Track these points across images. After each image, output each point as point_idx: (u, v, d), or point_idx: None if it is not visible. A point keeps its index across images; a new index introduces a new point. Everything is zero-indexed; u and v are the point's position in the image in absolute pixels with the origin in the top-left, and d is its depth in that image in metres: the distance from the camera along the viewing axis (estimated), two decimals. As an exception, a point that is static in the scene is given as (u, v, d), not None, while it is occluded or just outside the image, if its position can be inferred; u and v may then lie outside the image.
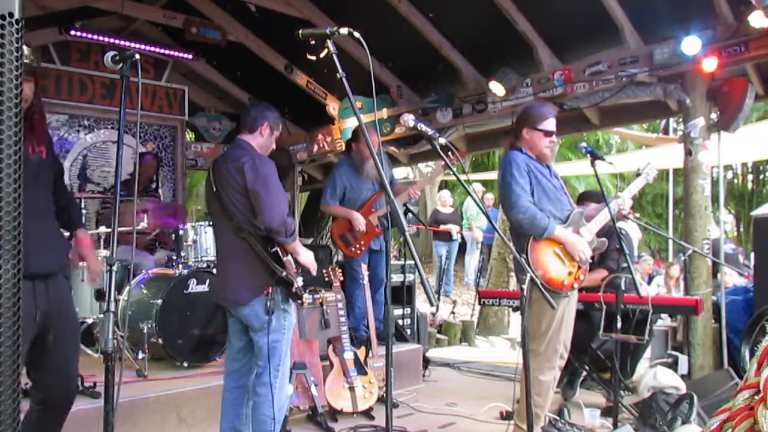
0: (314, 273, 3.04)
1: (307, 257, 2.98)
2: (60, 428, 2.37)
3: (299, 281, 2.91)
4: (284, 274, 2.83)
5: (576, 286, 3.24)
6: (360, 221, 4.64)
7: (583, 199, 4.50)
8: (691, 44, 4.22)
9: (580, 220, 3.30)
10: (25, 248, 2.04)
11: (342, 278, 4.43)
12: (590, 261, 4.35)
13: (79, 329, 2.55)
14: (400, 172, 11.61)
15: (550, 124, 3.29)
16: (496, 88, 5.24)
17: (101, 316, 4.25)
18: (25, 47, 2.16)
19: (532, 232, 3.13)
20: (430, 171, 4.75)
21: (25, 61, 2.15)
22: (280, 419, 2.94)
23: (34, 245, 2.03)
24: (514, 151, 3.29)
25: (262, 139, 2.98)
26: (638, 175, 3.56)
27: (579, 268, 3.22)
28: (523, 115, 3.41)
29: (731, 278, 6.14)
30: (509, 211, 3.20)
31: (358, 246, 4.73)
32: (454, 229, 9.70)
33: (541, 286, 2.69)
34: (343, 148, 6.77)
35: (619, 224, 4.21)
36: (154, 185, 5.97)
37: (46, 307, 2.19)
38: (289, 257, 2.92)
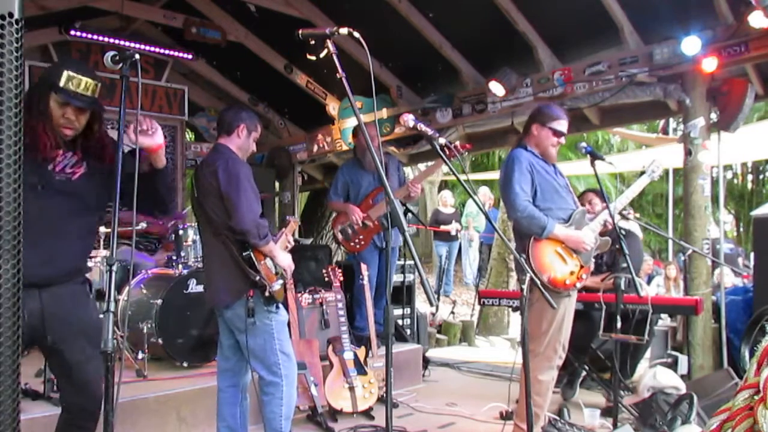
0: (289, 275, 3.05)
1: (285, 259, 2.99)
2: None
3: (276, 285, 2.90)
4: (257, 278, 2.84)
5: (578, 285, 3.24)
6: (355, 213, 4.67)
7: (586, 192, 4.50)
8: (691, 44, 4.22)
9: (582, 219, 3.30)
10: (25, 258, 2.02)
11: (342, 278, 4.44)
12: (598, 262, 4.38)
13: (91, 333, 2.36)
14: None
15: (561, 125, 3.30)
16: (496, 88, 5.24)
17: (101, 316, 4.25)
18: (89, 79, 2.15)
19: (531, 232, 3.13)
20: (427, 166, 4.78)
21: (84, 92, 2.12)
22: (290, 416, 2.95)
23: (36, 257, 1.99)
24: (519, 149, 3.29)
25: (239, 141, 3.01)
26: (642, 173, 3.55)
27: (581, 267, 3.22)
28: (536, 112, 3.41)
29: (727, 278, 6.11)
30: (508, 211, 3.22)
31: (357, 240, 4.73)
32: (453, 227, 9.71)
33: (541, 287, 2.69)
34: (343, 148, 6.80)
35: (622, 223, 4.21)
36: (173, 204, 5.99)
37: (40, 308, 2.15)
38: (266, 260, 2.92)
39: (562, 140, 3.36)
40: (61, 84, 2.11)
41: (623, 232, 3.65)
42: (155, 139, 2.23)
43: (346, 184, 4.83)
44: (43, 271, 2.14)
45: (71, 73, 2.12)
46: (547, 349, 3.17)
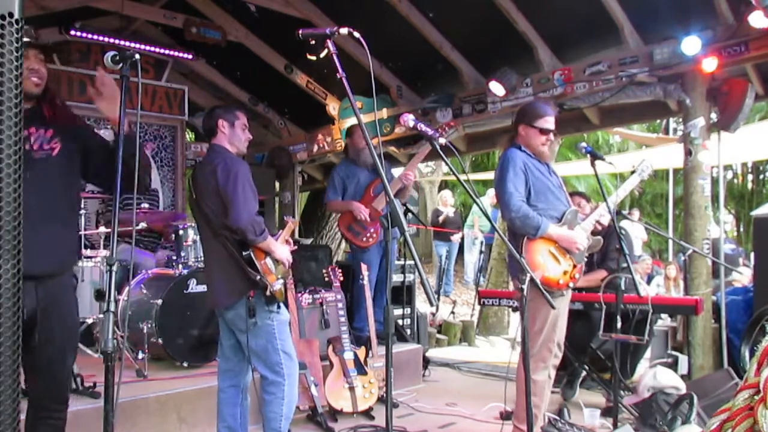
0: (288, 266, 3.04)
1: (283, 252, 3.00)
2: (60, 429, 2.30)
3: (277, 284, 2.90)
4: (258, 278, 2.84)
5: (571, 285, 3.24)
6: (360, 209, 4.66)
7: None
8: (691, 44, 4.23)
9: (574, 219, 3.30)
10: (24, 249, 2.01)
11: (342, 278, 4.44)
12: (590, 260, 4.38)
13: (75, 330, 2.43)
14: (398, 173, 11.63)
15: (547, 122, 3.27)
16: (496, 88, 5.24)
17: (101, 316, 4.25)
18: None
19: (525, 232, 3.14)
20: (416, 155, 4.74)
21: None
22: (290, 416, 2.95)
23: (30, 246, 2.01)
24: (512, 149, 3.29)
25: (226, 135, 3.02)
26: (633, 172, 3.56)
27: (574, 266, 3.22)
28: (521, 112, 3.40)
29: (741, 278, 6.09)
30: (502, 211, 3.22)
31: (367, 235, 4.71)
32: (456, 236, 9.80)
33: (541, 287, 2.69)
34: (343, 148, 6.80)
35: (623, 223, 4.21)
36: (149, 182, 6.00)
37: (34, 307, 2.10)
38: (266, 260, 2.91)
39: (552, 137, 3.33)
40: None
41: (623, 231, 3.66)
42: (112, 108, 2.17)
43: (343, 180, 4.83)
44: (43, 263, 2.08)
45: None
46: (541, 349, 3.17)
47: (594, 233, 3.40)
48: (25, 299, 2.02)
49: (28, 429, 2.24)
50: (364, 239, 4.73)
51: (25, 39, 2.09)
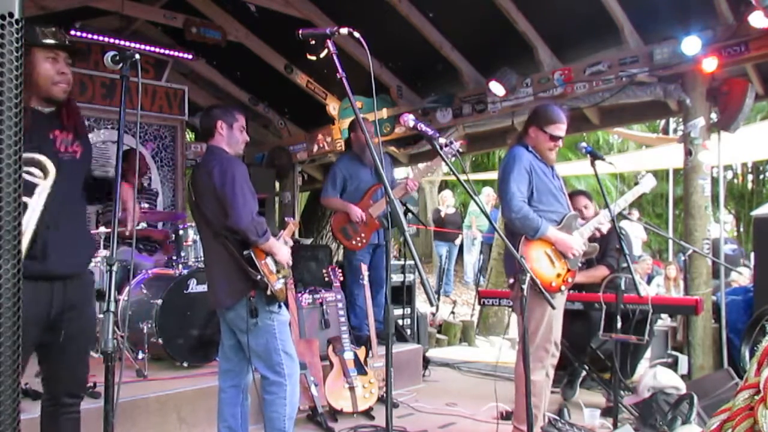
0: (288, 266, 3.04)
1: (284, 254, 2.99)
2: (78, 422, 2.37)
3: (278, 284, 2.90)
4: (259, 277, 2.83)
5: (563, 288, 3.24)
6: (357, 213, 4.62)
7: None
8: (691, 44, 4.23)
9: (573, 223, 3.30)
10: (50, 249, 2.04)
11: (342, 278, 4.44)
12: (589, 257, 4.38)
13: (94, 328, 2.56)
14: (400, 173, 11.63)
15: (558, 129, 3.28)
16: (496, 88, 5.24)
17: (101, 316, 4.25)
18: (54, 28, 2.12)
19: (524, 232, 3.15)
20: (425, 165, 4.75)
21: (52, 41, 2.10)
22: (293, 416, 2.95)
23: (59, 246, 2.07)
24: (519, 148, 3.29)
25: (224, 138, 3.01)
26: (636, 183, 3.59)
27: (568, 270, 3.22)
28: (535, 113, 3.39)
29: (741, 278, 6.09)
30: (503, 209, 3.23)
31: (359, 239, 4.69)
32: (457, 239, 9.82)
33: (540, 287, 2.69)
34: (344, 148, 6.79)
35: (622, 223, 4.22)
36: (147, 182, 6.03)
37: (62, 306, 2.17)
38: (267, 260, 2.91)
39: (560, 143, 3.34)
40: (42, 38, 2.06)
41: (623, 231, 3.66)
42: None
43: (345, 178, 4.78)
44: (71, 262, 2.17)
45: (42, 28, 2.08)
46: (538, 349, 3.17)
47: (591, 240, 3.41)
48: (54, 299, 2.14)
49: (48, 426, 2.31)
50: (354, 242, 4.70)
51: (51, 41, 2.09)
